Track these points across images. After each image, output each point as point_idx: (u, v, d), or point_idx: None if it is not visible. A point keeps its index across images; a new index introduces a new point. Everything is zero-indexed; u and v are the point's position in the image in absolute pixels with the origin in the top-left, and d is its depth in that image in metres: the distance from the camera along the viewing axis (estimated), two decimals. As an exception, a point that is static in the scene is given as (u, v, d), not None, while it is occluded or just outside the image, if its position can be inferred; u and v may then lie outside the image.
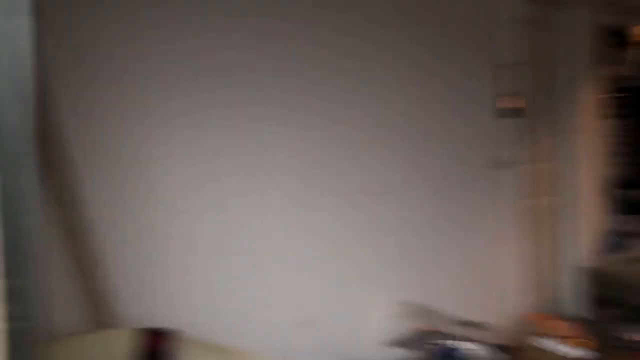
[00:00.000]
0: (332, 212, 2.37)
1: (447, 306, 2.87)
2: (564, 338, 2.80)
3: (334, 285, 2.39)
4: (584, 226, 4.11)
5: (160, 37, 1.85)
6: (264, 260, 2.10)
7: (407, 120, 2.78)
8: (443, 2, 3.04)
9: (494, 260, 3.42)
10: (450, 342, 2.53)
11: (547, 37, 4.05)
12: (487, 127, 3.35)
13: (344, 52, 2.44)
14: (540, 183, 3.96)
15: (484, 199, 3.34)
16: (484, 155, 3.33)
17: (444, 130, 3.01)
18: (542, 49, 4.00)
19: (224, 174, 1.96)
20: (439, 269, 2.93)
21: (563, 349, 2.73)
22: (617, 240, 4.18)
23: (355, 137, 2.50)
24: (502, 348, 2.60)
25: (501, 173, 3.44)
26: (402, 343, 2.56)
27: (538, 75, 3.95)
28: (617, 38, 4.53)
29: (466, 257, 3.15)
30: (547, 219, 4.04)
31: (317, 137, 2.32)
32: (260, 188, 2.09)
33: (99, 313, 1.65)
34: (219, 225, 1.96)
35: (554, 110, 4.08)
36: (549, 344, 2.78)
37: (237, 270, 2.01)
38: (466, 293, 3.13)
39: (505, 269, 3.50)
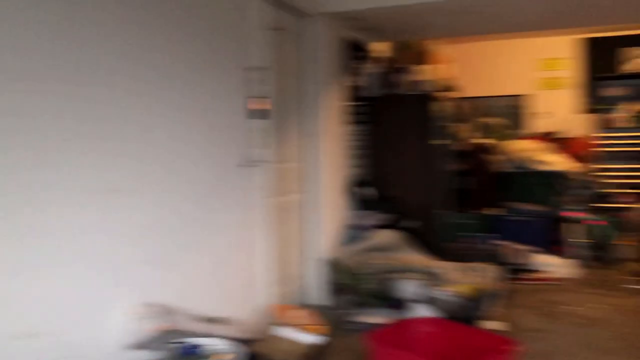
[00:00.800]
0: (65, 208, 2.19)
1: (197, 304, 2.88)
2: (300, 326, 3.01)
3: (66, 289, 2.21)
4: (327, 221, 4.50)
5: None
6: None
7: (158, 118, 2.71)
8: (195, 5, 3.03)
9: (244, 256, 3.52)
10: (193, 340, 2.54)
11: (295, 45, 4.33)
12: (239, 127, 3.45)
13: (89, 47, 2.28)
14: (288, 181, 4.21)
15: (235, 196, 3.43)
16: (236, 155, 3.42)
17: (196, 129, 3.01)
18: (290, 56, 4.27)
19: None
20: (188, 268, 2.92)
21: (298, 336, 2.94)
22: (354, 233, 4.64)
23: (103, 133, 2.35)
24: (245, 341, 2.69)
25: (252, 172, 3.56)
26: (144, 345, 2.49)
27: (286, 80, 4.20)
28: (357, 52, 5.04)
29: (216, 254, 3.19)
30: (294, 215, 4.33)
31: (57, 131, 2.12)
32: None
33: None
34: None
35: (301, 114, 4.39)
36: (287, 333, 2.96)
37: None
38: (217, 289, 3.18)
39: (255, 264, 3.64)
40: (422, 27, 5.09)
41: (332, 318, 3.95)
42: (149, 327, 2.52)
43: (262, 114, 3.59)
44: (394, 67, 5.37)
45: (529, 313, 4.12)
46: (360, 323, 3.77)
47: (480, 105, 7.39)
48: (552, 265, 5.14)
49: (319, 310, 4.16)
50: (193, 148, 3.01)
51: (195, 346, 2.54)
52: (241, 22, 3.51)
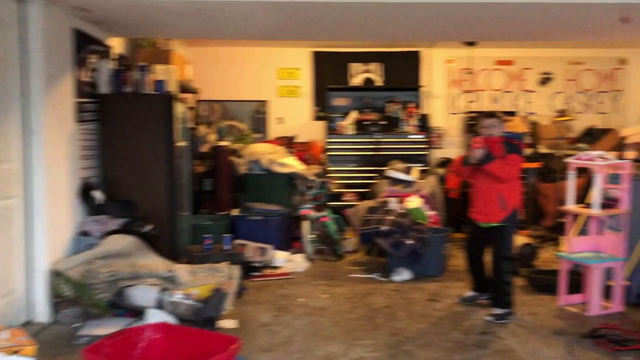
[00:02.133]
0: None
1: None
2: (6, 349, 2.69)
3: None
4: (53, 228, 4.08)
5: None
6: None
7: None
8: None
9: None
10: None
11: (16, 33, 3.85)
12: None
13: None
14: (5, 184, 3.73)
15: None
16: None
17: None
18: (9, 45, 3.79)
19: None
20: None
21: (2, 360, 2.63)
22: (85, 240, 4.33)
23: None
24: None
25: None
26: None
27: (2, 70, 3.71)
28: (91, 46, 4.71)
29: None
30: (15, 222, 3.85)
31: None
32: None
33: None
34: None
35: (24, 109, 3.92)
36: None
37: None
38: None
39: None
40: (155, 25, 4.97)
41: (58, 334, 3.63)
42: None
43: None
44: (132, 64, 5.17)
45: (261, 308, 4.31)
46: (91, 336, 3.53)
47: (224, 109, 7.57)
48: (287, 260, 5.47)
49: (42, 327, 3.80)
50: None
51: None
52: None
